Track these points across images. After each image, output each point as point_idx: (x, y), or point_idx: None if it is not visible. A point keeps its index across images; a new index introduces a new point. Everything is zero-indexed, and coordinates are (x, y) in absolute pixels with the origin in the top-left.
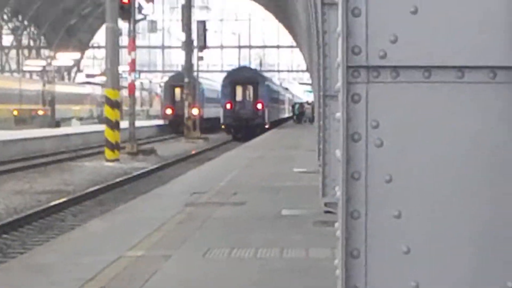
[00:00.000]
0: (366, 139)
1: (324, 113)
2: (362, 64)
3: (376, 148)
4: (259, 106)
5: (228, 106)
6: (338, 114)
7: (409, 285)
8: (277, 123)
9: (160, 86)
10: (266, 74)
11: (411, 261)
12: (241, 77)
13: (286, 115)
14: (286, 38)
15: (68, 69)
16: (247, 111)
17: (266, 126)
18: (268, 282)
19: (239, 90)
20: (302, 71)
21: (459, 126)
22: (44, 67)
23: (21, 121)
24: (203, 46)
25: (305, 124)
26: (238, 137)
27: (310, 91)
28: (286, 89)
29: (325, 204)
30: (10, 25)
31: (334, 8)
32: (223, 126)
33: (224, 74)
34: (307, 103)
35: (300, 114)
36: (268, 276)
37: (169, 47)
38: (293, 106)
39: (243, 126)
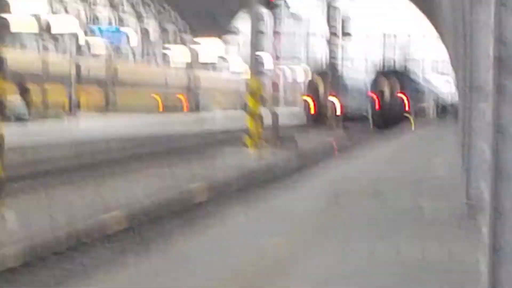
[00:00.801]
0: None
1: (470, 107)
2: (511, 55)
3: None
4: (405, 99)
5: (376, 102)
6: (486, 106)
7: None
8: (420, 116)
9: (303, 76)
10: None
11: None
12: (388, 74)
13: (430, 109)
14: (429, 29)
15: (211, 56)
16: (393, 106)
17: (411, 120)
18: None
19: (386, 87)
20: (445, 62)
21: None
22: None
23: (167, 107)
24: (346, 34)
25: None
26: (383, 128)
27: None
28: (429, 81)
29: (469, 198)
30: (154, 10)
31: (482, 2)
32: (370, 120)
33: (375, 73)
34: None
35: (443, 109)
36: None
37: (314, 35)
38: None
39: (390, 120)
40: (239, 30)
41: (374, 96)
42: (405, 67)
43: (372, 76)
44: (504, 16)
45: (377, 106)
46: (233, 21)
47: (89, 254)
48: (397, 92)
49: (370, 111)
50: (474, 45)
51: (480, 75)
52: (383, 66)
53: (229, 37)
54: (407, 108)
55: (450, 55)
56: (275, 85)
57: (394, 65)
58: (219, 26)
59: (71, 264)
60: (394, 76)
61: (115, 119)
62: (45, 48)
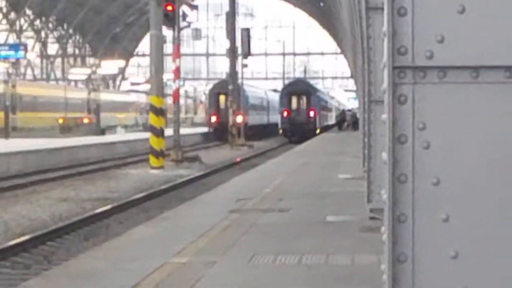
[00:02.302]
0: (412, 141)
1: (369, 118)
2: (409, 64)
3: (423, 150)
4: (312, 113)
5: (285, 113)
6: (384, 116)
7: None
8: (326, 128)
9: (205, 93)
10: (313, 82)
11: (460, 265)
12: (296, 88)
13: (334, 121)
14: (330, 44)
15: (113, 77)
16: (301, 118)
17: (317, 131)
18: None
19: (294, 100)
20: (347, 77)
21: (508, 127)
22: (89, 75)
23: (66, 129)
24: (247, 53)
25: (347, 131)
26: (294, 140)
27: (354, 98)
28: (333, 97)
29: (371, 210)
30: (56, 33)
31: (378, 13)
32: (280, 131)
33: (282, 86)
34: (348, 110)
35: (341, 121)
36: (313, 282)
37: (214, 54)
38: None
39: (298, 131)
40: (144, 52)
41: (285, 112)
42: (314, 87)
43: (283, 93)
44: (399, 25)
45: (286, 121)
46: (139, 44)
47: None
48: (305, 108)
49: (280, 125)
50: (372, 57)
51: (379, 87)
52: (292, 83)
53: (134, 59)
54: (316, 123)
55: (351, 69)
56: (177, 104)
57: (302, 82)
58: (124, 49)
59: None
60: (302, 92)
61: (17, 144)
62: None
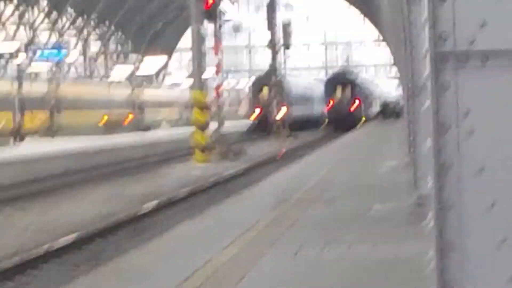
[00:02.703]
0: (457, 127)
1: (414, 105)
2: (451, 50)
3: (468, 136)
4: (357, 102)
5: (330, 103)
6: (428, 102)
7: (507, 276)
8: (371, 116)
9: (248, 87)
10: (356, 71)
11: (508, 252)
12: (341, 78)
13: (378, 109)
14: (372, 33)
15: (156, 73)
16: (346, 107)
17: (363, 119)
18: (361, 278)
19: (339, 89)
20: (390, 65)
21: None
22: (132, 72)
23: (111, 126)
24: (288, 45)
25: (391, 119)
26: (339, 129)
27: (398, 85)
28: (377, 86)
29: (418, 197)
30: (98, 31)
31: None
32: (326, 120)
33: (328, 77)
34: (391, 98)
35: (385, 110)
36: (359, 272)
37: (255, 46)
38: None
39: (344, 120)
40: (185, 48)
41: (330, 101)
42: (356, 74)
43: (327, 83)
44: (440, 11)
45: (332, 110)
46: (180, 39)
47: None
48: (350, 97)
49: (328, 114)
50: (414, 44)
51: (421, 74)
52: (336, 73)
53: (176, 54)
54: (361, 112)
55: (394, 57)
56: (220, 98)
57: (346, 72)
58: (166, 45)
59: None
60: (347, 82)
61: (63, 143)
62: None
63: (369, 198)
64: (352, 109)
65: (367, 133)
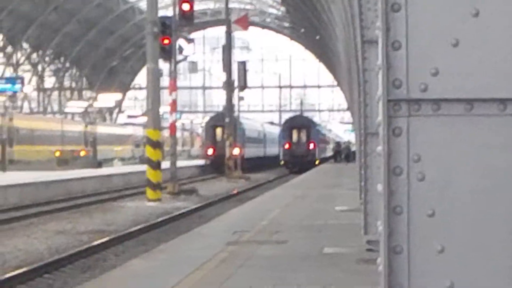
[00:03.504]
0: (408, 173)
1: (366, 150)
2: (403, 97)
3: (418, 182)
4: (311, 145)
5: (287, 146)
6: (379, 148)
7: None
8: (324, 159)
9: (201, 126)
10: (310, 115)
11: None
12: (297, 122)
13: (331, 153)
14: (326, 77)
15: (110, 110)
16: (302, 150)
17: (316, 162)
18: None
19: (295, 133)
20: (343, 110)
21: (502, 159)
22: (86, 108)
23: (63, 161)
24: (243, 86)
25: (342, 162)
26: (295, 171)
27: (350, 130)
28: (330, 130)
29: (368, 242)
30: (53, 66)
31: (374, 46)
32: (282, 162)
33: (283, 120)
34: (342, 143)
35: (337, 153)
36: None
37: (210, 87)
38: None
39: (299, 162)
40: (141, 86)
41: (286, 144)
42: (313, 121)
43: (284, 127)
44: (393, 59)
45: (288, 152)
46: (136, 77)
47: None
48: (305, 141)
49: (282, 157)
50: (368, 90)
51: (374, 119)
52: (293, 117)
53: (131, 92)
54: (315, 155)
55: (348, 102)
56: (174, 137)
57: (302, 117)
58: (121, 82)
59: None
60: (303, 126)
61: (14, 176)
62: None
63: (319, 241)
64: (307, 152)
65: (319, 176)
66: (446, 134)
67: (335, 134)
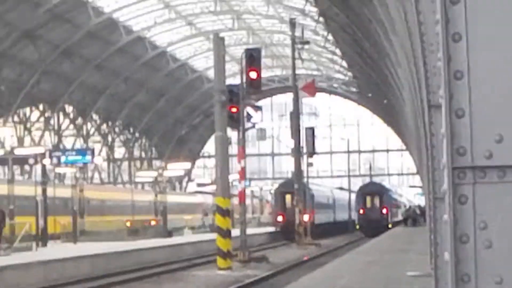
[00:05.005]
0: (474, 240)
1: (435, 215)
2: (468, 165)
3: (485, 249)
4: (384, 210)
5: (361, 211)
6: (446, 216)
7: None
8: (395, 223)
9: (271, 193)
10: (380, 180)
11: None
12: (370, 189)
13: (401, 217)
14: (395, 141)
15: (179, 179)
16: (376, 215)
17: (390, 226)
18: None
19: (369, 199)
20: (412, 174)
21: None
22: (155, 177)
23: (134, 231)
24: (312, 152)
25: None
26: (370, 235)
27: (420, 194)
28: (401, 195)
29: None
30: (122, 137)
31: (440, 111)
32: (357, 227)
33: (356, 187)
34: (410, 207)
35: (407, 218)
36: None
37: (279, 154)
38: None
39: (373, 226)
40: (210, 154)
41: (361, 209)
42: (385, 187)
43: (358, 193)
44: (457, 126)
45: (363, 217)
46: (205, 146)
47: None
48: (379, 206)
49: (358, 221)
50: (435, 155)
51: (441, 185)
52: (366, 185)
53: (200, 161)
54: (388, 219)
55: (416, 165)
56: (243, 205)
57: (377, 187)
58: (190, 151)
59: None
60: (376, 192)
61: (85, 248)
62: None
63: None
64: (380, 216)
65: (390, 240)
66: None
67: (405, 198)
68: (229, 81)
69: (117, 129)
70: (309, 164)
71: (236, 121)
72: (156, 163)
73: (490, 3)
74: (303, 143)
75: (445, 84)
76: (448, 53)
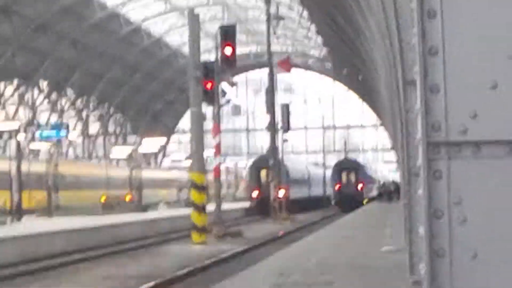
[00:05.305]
0: (449, 215)
1: (409, 190)
2: (443, 140)
3: (460, 224)
4: (360, 186)
5: (337, 187)
6: (420, 191)
7: None
8: (371, 199)
9: (245, 170)
10: (354, 156)
11: None
12: (346, 165)
13: (376, 192)
14: (370, 117)
15: (154, 155)
16: (351, 190)
17: (364, 202)
18: None
19: (344, 175)
20: (387, 150)
21: None
22: (130, 153)
23: (109, 206)
24: (287, 128)
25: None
26: (346, 210)
27: (395, 170)
28: (376, 171)
29: (414, 283)
30: (97, 112)
31: (415, 87)
32: (333, 202)
33: (335, 163)
34: (384, 183)
35: (382, 193)
36: None
37: (254, 129)
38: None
39: (349, 202)
40: (185, 130)
41: (337, 185)
42: (360, 163)
43: (334, 169)
44: (431, 102)
45: (339, 193)
46: (180, 121)
47: None
48: (355, 181)
49: (334, 197)
50: (410, 131)
51: (416, 161)
52: (342, 160)
53: (175, 136)
54: (363, 195)
55: (392, 141)
56: (218, 180)
57: (353, 163)
58: (165, 126)
59: None
60: (351, 168)
61: (61, 222)
62: None
63: (366, 282)
64: (356, 192)
65: (365, 216)
66: (486, 176)
67: (380, 174)
68: (204, 57)
69: (91, 105)
70: (284, 140)
71: (211, 96)
72: (131, 138)
73: None
74: (278, 119)
75: (419, 60)
76: (423, 29)
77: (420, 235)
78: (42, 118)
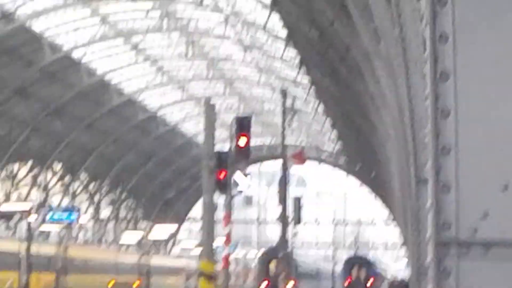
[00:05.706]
0: None
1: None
2: (452, 239)
3: None
4: (370, 282)
5: (347, 282)
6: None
7: None
8: None
9: (255, 261)
10: (365, 253)
11: None
12: (356, 261)
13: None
14: (382, 213)
15: (166, 241)
16: (361, 286)
17: None
18: None
19: (355, 270)
20: (398, 247)
21: None
22: (140, 239)
23: None
24: (298, 221)
25: None
26: None
27: (405, 267)
28: (386, 270)
29: None
30: (110, 196)
31: (427, 185)
32: None
33: (346, 258)
34: (393, 280)
35: None
36: None
37: (265, 221)
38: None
39: None
40: (196, 218)
41: (348, 279)
42: (369, 257)
43: (344, 263)
44: (443, 200)
45: (349, 287)
46: (192, 208)
47: None
48: (365, 276)
49: None
50: (420, 228)
51: (425, 259)
52: (353, 255)
53: (186, 224)
54: None
55: (403, 238)
56: (226, 270)
57: (360, 254)
58: (176, 214)
59: None
60: (362, 263)
61: None
62: None
63: None
64: (366, 286)
65: None
66: (496, 275)
67: (390, 271)
68: (218, 146)
69: (104, 189)
70: (295, 233)
71: (223, 186)
72: (143, 224)
73: (481, 80)
74: (289, 211)
75: (432, 158)
76: (436, 128)
77: None
78: (55, 200)
